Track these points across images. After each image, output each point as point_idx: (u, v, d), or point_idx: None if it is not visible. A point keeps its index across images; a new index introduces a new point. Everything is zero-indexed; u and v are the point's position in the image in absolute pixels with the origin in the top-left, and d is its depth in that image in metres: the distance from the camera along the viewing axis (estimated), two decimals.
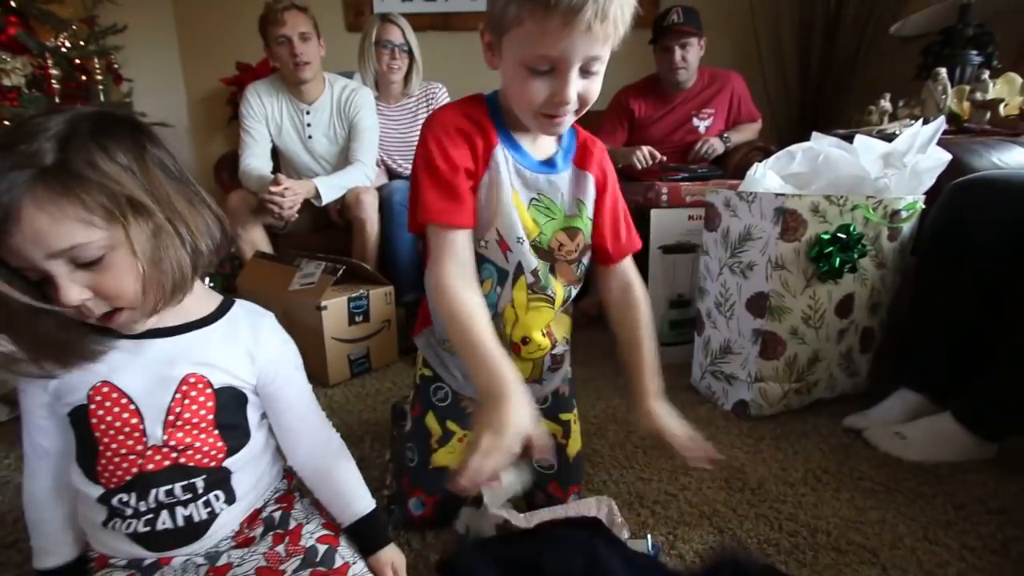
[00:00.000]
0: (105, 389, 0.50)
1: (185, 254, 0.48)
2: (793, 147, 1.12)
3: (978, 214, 0.95)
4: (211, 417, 0.53)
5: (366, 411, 1.14)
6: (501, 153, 0.66)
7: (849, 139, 1.16)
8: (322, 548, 0.58)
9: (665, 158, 1.77)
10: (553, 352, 0.75)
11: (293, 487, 0.65)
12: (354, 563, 0.58)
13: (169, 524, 0.52)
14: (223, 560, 0.55)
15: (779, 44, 2.51)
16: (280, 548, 0.57)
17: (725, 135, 1.89)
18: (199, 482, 0.53)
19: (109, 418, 0.50)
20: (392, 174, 1.92)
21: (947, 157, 1.04)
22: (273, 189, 1.46)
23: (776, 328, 1.04)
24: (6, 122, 1.67)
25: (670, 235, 1.33)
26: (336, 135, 1.74)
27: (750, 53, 2.50)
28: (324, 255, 1.43)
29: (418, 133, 2.06)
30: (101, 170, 0.44)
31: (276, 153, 1.79)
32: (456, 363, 0.75)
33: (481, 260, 0.67)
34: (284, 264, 1.45)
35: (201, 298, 0.56)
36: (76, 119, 0.45)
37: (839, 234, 0.99)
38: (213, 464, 0.54)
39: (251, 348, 0.56)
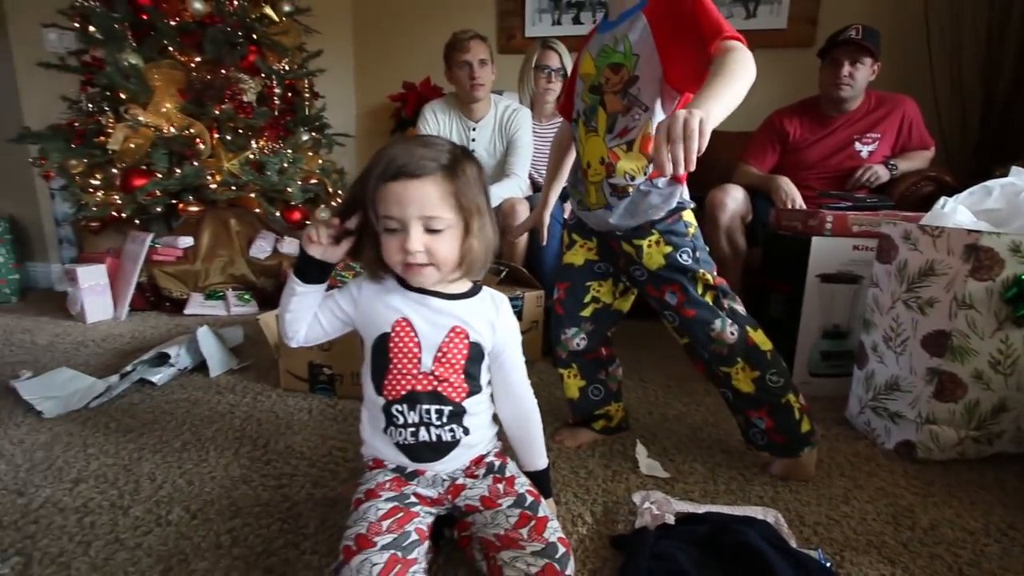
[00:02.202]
0: (404, 323, 0.69)
1: (486, 249, 0.68)
2: (990, 182, 1.06)
3: None
4: (463, 362, 0.71)
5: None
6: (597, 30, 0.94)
7: None
8: (530, 498, 0.72)
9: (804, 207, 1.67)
10: (611, 181, 0.90)
11: (500, 448, 0.80)
12: (552, 520, 0.69)
13: (426, 438, 0.70)
14: (460, 481, 0.73)
15: (959, 65, 2.29)
16: (500, 487, 0.73)
17: (892, 162, 1.78)
18: (446, 410, 0.70)
19: (401, 344, 0.69)
20: (537, 187, 2.07)
21: None
22: None
23: (956, 369, 0.99)
24: (239, 130, 2.08)
25: (830, 264, 1.30)
26: (495, 149, 1.93)
27: (922, 75, 2.31)
28: None
29: None
30: (467, 178, 0.66)
31: None
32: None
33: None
34: None
35: (462, 282, 0.73)
36: (454, 146, 0.67)
37: None
38: (457, 399, 0.71)
39: (494, 320, 0.73)
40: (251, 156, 2.05)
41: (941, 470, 1.01)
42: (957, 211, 1.04)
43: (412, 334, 0.69)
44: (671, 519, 0.76)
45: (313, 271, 0.72)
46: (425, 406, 0.69)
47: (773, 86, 2.50)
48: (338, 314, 0.75)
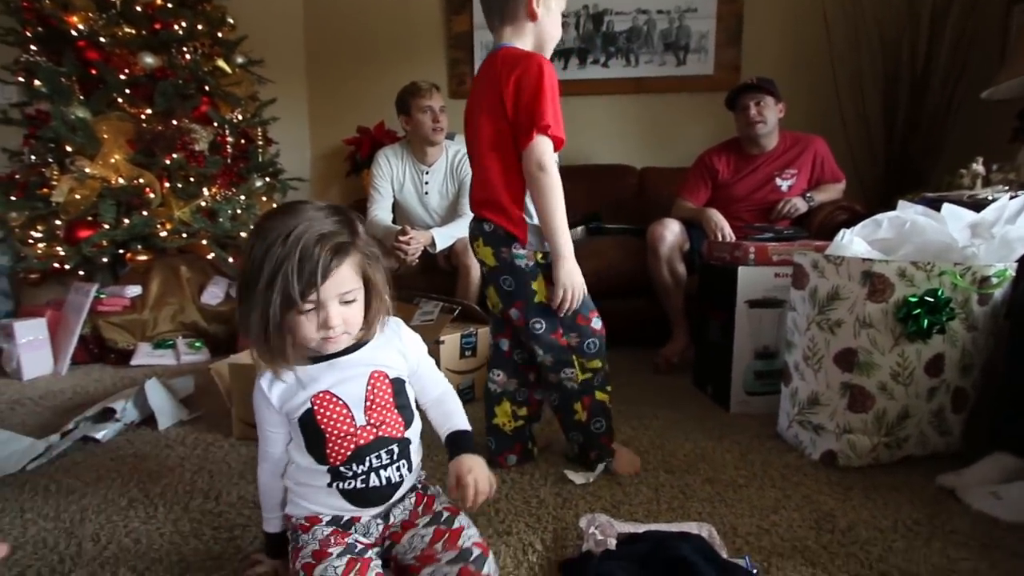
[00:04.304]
0: (323, 395, 0.71)
1: (384, 305, 0.72)
2: (879, 215, 1.21)
3: None
4: (391, 400, 0.74)
5: (476, 435, 1.31)
6: None
7: (937, 204, 1.23)
8: (446, 514, 0.74)
9: (734, 238, 1.83)
10: None
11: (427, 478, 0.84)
12: (468, 527, 0.73)
13: (376, 482, 0.72)
14: (390, 519, 0.75)
15: (863, 104, 2.57)
16: (419, 508, 0.76)
17: (808, 195, 1.96)
18: (394, 448, 0.73)
19: (329, 413, 0.71)
20: None
21: None
22: (402, 238, 1.73)
23: (864, 383, 1.10)
24: (191, 179, 2.09)
25: (756, 291, 1.43)
26: (447, 191, 2.01)
27: (832, 114, 2.58)
28: (436, 295, 1.65)
29: None
30: (364, 241, 0.69)
31: (394, 205, 2.08)
32: None
33: None
34: (404, 303, 1.68)
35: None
36: (338, 212, 0.68)
37: (927, 297, 1.06)
38: (399, 435, 0.74)
39: (400, 347, 0.77)
40: (203, 204, 2.05)
41: (859, 476, 1.10)
42: (854, 242, 1.17)
43: (335, 399, 0.71)
44: (612, 543, 0.81)
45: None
46: (373, 455, 0.71)
47: (704, 126, 2.73)
48: (282, 432, 0.74)
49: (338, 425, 0.70)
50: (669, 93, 2.81)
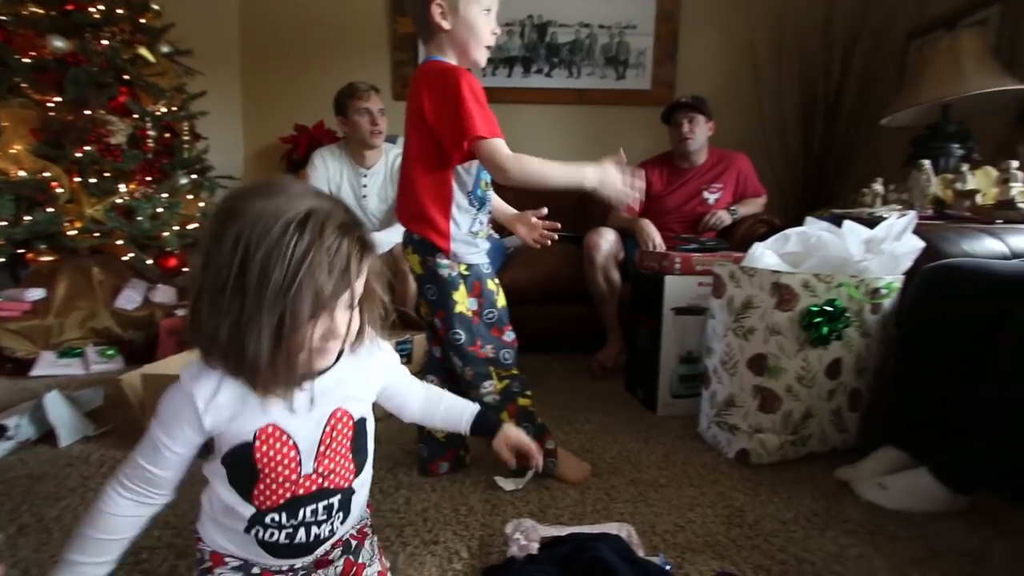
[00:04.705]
0: (270, 430, 0.57)
1: (378, 313, 0.60)
2: (788, 230, 1.31)
3: (947, 295, 1.11)
4: (348, 444, 0.62)
5: (408, 443, 1.29)
6: None
7: (841, 221, 1.35)
8: None
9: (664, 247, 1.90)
10: None
11: (369, 521, 0.74)
12: None
13: (302, 539, 0.60)
14: None
15: (784, 128, 2.77)
16: None
17: (732, 207, 2.09)
18: (335, 501, 0.61)
19: (272, 453, 0.57)
20: None
21: (920, 245, 1.21)
22: None
23: (773, 385, 1.19)
24: (106, 174, 1.94)
25: (682, 298, 1.50)
26: (387, 195, 1.99)
27: (758, 136, 2.76)
28: None
29: None
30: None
31: None
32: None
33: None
34: None
35: None
36: (336, 200, 0.56)
37: (826, 307, 1.16)
38: (345, 484, 0.62)
39: (373, 365, 0.65)
40: (119, 201, 1.91)
41: (768, 472, 1.18)
42: (765, 255, 1.26)
43: (284, 438, 0.57)
44: (535, 548, 0.83)
45: None
46: (310, 507, 0.59)
47: (642, 138, 2.84)
48: (185, 456, 0.58)
49: (278, 468, 0.57)
50: (609, 105, 2.91)
